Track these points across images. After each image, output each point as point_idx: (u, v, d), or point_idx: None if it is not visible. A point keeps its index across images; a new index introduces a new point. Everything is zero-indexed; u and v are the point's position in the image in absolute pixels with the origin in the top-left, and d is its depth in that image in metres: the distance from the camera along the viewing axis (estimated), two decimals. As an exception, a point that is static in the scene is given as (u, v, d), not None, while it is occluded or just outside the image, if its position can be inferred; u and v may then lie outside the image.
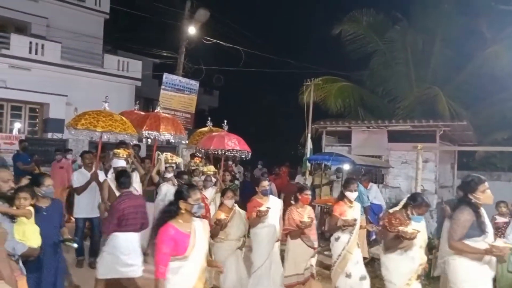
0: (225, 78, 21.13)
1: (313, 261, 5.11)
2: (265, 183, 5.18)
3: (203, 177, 6.92)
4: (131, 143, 7.39)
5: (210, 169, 7.22)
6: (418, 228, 3.96)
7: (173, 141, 8.29)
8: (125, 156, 6.18)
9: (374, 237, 7.98)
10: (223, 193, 5.16)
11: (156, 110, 7.87)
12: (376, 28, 14.88)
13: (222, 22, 15.92)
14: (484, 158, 12.19)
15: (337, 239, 4.92)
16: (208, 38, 15.20)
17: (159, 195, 6.57)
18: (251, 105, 24.59)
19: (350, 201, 4.97)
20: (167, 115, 8.44)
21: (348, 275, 4.80)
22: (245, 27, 17.16)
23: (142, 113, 8.90)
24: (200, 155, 8.14)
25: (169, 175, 6.72)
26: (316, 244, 5.06)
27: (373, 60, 15.21)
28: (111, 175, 5.91)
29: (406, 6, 15.30)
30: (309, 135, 10.96)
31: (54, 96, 14.18)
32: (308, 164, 10.44)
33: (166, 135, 7.60)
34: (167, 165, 6.87)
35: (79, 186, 6.16)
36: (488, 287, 3.66)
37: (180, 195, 3.22)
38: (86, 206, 6.18)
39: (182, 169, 7.67)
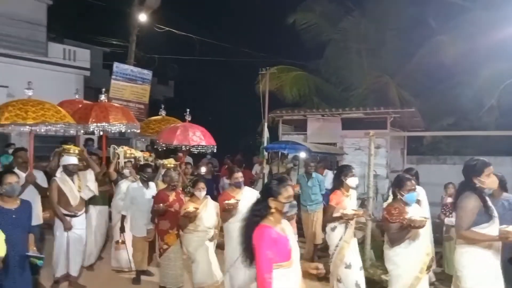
0: (180, 68, 20.64)
1: None
2: (238, 175, 4.96)
3: (163, 171, 6.45)
4: (78, 135, 6.76)
5: (171, 162, 6.74)
6: (417, 212, 3.82)
7: (124, 131, 7.57)
8: (76, 152, 5.65)
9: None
10: (194, 183, 5.04)
11: (100, 100, 7.10)
12: (329, 17, 15.06)
13: (176, 10, 15.48)
14: (432, 143, 12.75)
15: (333, 229, 4.74)
16: (161, 26, 14.71)
17: (117, 194, 6.18)
18: (208, 95, 24.25)
19: (347, 189, 4.74)
20: (113, 103, 7.76)
21: (348, 266, 4.64)
22: (200, 15, 16.82)
23: (86, 102, 8.19)
24: (159, 149, 7.57)
25: (127, 171, 6.38)
26: None
27: (327, 49, 15.42)
28: (60, 174, 5.46)
29: (358, -4, 15.59)
30: (266, 124, 10.97)
31: (-7, 87, 13.18)
32: (266, 153, 10.46)
33: (117, 125, 6.81)
34: (125, 160, 6.47)
35: None
36: (498, 275, 3.48)
37: (269, 192, 2.77)
38: None
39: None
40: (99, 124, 6.62)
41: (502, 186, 5.23)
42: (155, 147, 7.71)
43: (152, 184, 6.06)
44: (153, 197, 5.62)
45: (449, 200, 6.06)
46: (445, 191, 6.32)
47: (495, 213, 3.51)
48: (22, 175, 5.19)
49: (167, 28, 14.93)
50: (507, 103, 10.47)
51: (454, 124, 12.56)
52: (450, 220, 5.78)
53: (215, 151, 7.22)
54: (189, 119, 7.14)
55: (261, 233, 2.65)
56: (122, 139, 12.20)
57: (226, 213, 4.72)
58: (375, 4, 14.57)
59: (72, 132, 6.09)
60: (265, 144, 10.45)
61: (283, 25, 15.36)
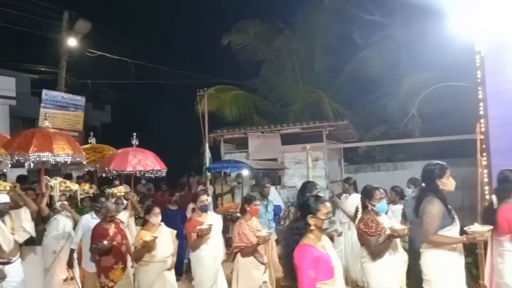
0: (116, 92, 19.98)
1: (266, 276, 4.61)
2: (204, 197, 4.78)
3: (113, 200, 6.02)
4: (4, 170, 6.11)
5: (121, 190, 6.40)
6: (386, 221, 3.79)
7: (71, 162, 6.52)
8: (7, 188, 5.00)
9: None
10: (148, 210, 4.71)
11: (40, 126, 6.45)
12: (262, 37, 15.58)
13: (107, 34, 15.15)
14: (366, 152, 13.49)
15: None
16: (92, 51, 14.30)
17: (50, 231, 5.48)
18: (147, 118, 23.77)
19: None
20: (56, 130, 6.89)
21: None
22: (134, 38, 16.60)
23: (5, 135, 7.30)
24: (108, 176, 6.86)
25: (59, 203, 5.67)
26: (266, 259, 4.60)
27: (263, 68, 15.90)
28: None
29: (288, 15, 16.35)
30: (207, 144, 11.00)
31: None
32: (208, 174, 10.46)
33: (62, 155, 6.04)
34: (60, 193, 5.80)
35: None
36: (463, 276, 3.52)
37: (307, 209, 2.75)
38: None
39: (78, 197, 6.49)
40: (41, 154, 5.81)
41: (399, 194, 5.72)
42: (100, 175, 6.99)
43: None
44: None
45: None
46: None
47: (455, 215, 3.55)
48: None
49: (99, 53, 14.55)
50: (427, 111, 11.40)
51: (385, 133, 13.39)
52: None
53: (163, 174, 6.73)
54: (136, 143, 6.65)
55: (303, 252, 2.62)
56: (54, 169, 11.53)
57: (197, 239, 4.48)
58: (303, 23, 15.30)
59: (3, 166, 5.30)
60: (207, 164, 10.46)
61: (219, 46, 15.65)
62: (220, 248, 4.83)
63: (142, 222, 5.48)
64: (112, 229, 4.97)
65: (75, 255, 5.58)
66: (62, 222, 5.52)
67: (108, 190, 6.48)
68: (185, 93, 15.21)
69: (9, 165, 5.54)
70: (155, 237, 4.35)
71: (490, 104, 5.15)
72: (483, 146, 5.20)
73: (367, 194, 3.88)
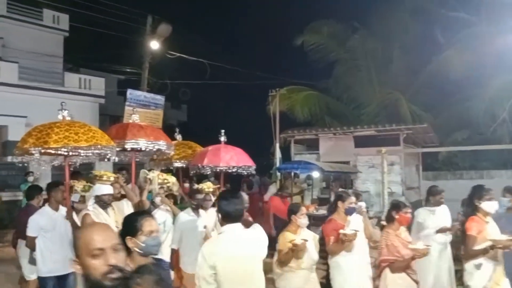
0: (192, 92, 21.01)
1: None
2: (352, 199, 4.34)
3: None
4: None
5: (209, 185, 5.73)
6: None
7: (167, 151, 6.48)
8: (111, 179, 4.76)
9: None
10: (294, 209, 4.09)
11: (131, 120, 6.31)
12: (336, 37, 15.32)
13: (186, 36, 15.92)
14: (447, 158, 12.66)
15: (478, 266, 3.81)
16: (172, 52, 15.11)
17: None
18: (220, 117, 24.58)
19: (486, 215, 3.86)
20: (146, 124, 6.72)
21: None
22: (210, 40, 17.25)
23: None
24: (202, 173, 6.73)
25: (159, 199, 5.33)
26: (417, 277, 3.97)
27: (336, 69, 15.62)
28: (92, 207, 4.47)
29: (364, 15, 15.91)
30: (278, 144, 11.06)
31: (13, 118, 13.63)
32: (278, 174, 10.50)
33: (160, 143, 5.84)
34: (158, 186, 5.41)
35: (34, 235, 4.49)
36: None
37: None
38: (55, 259, 4.48)
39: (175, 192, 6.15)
40: (136, 141, 5.65)
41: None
42: (194, 172, 6.78)
43: (202, 212, 5.15)
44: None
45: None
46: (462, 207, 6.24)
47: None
48: (53, 214, 4.65)
49: (178, 54, 15.32)
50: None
51: (468, 138, 12.48)
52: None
53: (254, 172, 6.62)
54: (225, 140, 6.44)
55: None
56: (137, 164, 12.30)
57: (338, 244, 4.01)
58: (381, 23, 14.78)
59: (110, 155, 5.07)
60: (278, 164, 10.50)
61: (292, 46, 15.69)
62: (366, 256, 4.29)
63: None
64: None
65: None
66: (162, 217, 5.07)
67: (197, 186, 5.91)
68: (257, 93, 15.48)
69: (115, 156, 5.35)
70: (306, 240, 3.77)
71: None
72: None
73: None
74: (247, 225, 3.07)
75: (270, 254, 3.25)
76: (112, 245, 1.78)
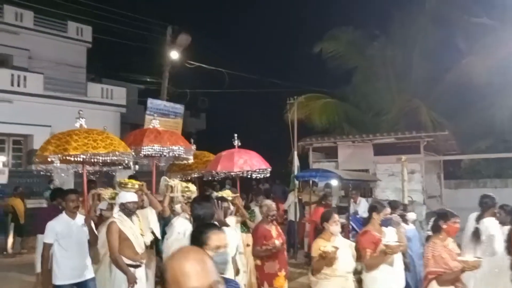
0: (211, 100, 21.27)
1: None
2: (388, 210, 4.24)
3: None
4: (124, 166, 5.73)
5: (228, 193, 5.67)
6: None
7: (184, 156, 6.47)
8: (136, 187, 4.74)
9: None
10: (327, 217, 4.04)
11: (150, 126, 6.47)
12: (355, 45, 15.22)
13: (204, 46, 16.15)
14: (469, 166, 12.36)
15: None
16: (191, 62, 15.35)
17: (171, 234, 4.53)
18: (239, 125, 24.71)
19: None
20: (165, 129, 6.87)
21: None
22: (228, 48, 17.44)
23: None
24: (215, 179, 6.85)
25: (179, 206, 5.16)
26: None
27: (355, 76, 15.51)
28: (118, 214, 4.41)
29: (383, 22, 15.79)
30: (296, 152, 11.02)
31: (38, 127, 14.05)
32: (296, 182, 10.46)
33: (176, 149, 5.77)
34: (179, 194, 5.37)
35: (51, 242, 4.42)
36: None
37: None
38: (73, 267, 4.48)
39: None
40: (153, 147, 5.74)
41: (511, 214, 4.89)
42: (208, 179, 6.89)
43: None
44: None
45: None
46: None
47: None
48: (70, 221, 4.56)
49: (197, 64, 15.56)
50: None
51: (492, 146, 12.15)
52: None
53: (268, 174, 6.61)
54: (239, 144, 6.42)
55: None
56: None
57: (379, 256, 3.85)
58: (400, 30, 14.64)
59: (127, 161, 5.25)
60: (296, 172, 10.47)
61: (310, 54, 15.68)
62: (402, 272, 4.13)
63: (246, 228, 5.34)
64: (274, 231, 4.48)
65: None
66: (182, 225, 4.75)
67: (215, 194, 5.90)
68: (275, 101, 15.51)
69: (132, 162, 5.60)
70: (337, 248, 3.70)
71: None
72: None
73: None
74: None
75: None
76: (211, 284, 1.40)
